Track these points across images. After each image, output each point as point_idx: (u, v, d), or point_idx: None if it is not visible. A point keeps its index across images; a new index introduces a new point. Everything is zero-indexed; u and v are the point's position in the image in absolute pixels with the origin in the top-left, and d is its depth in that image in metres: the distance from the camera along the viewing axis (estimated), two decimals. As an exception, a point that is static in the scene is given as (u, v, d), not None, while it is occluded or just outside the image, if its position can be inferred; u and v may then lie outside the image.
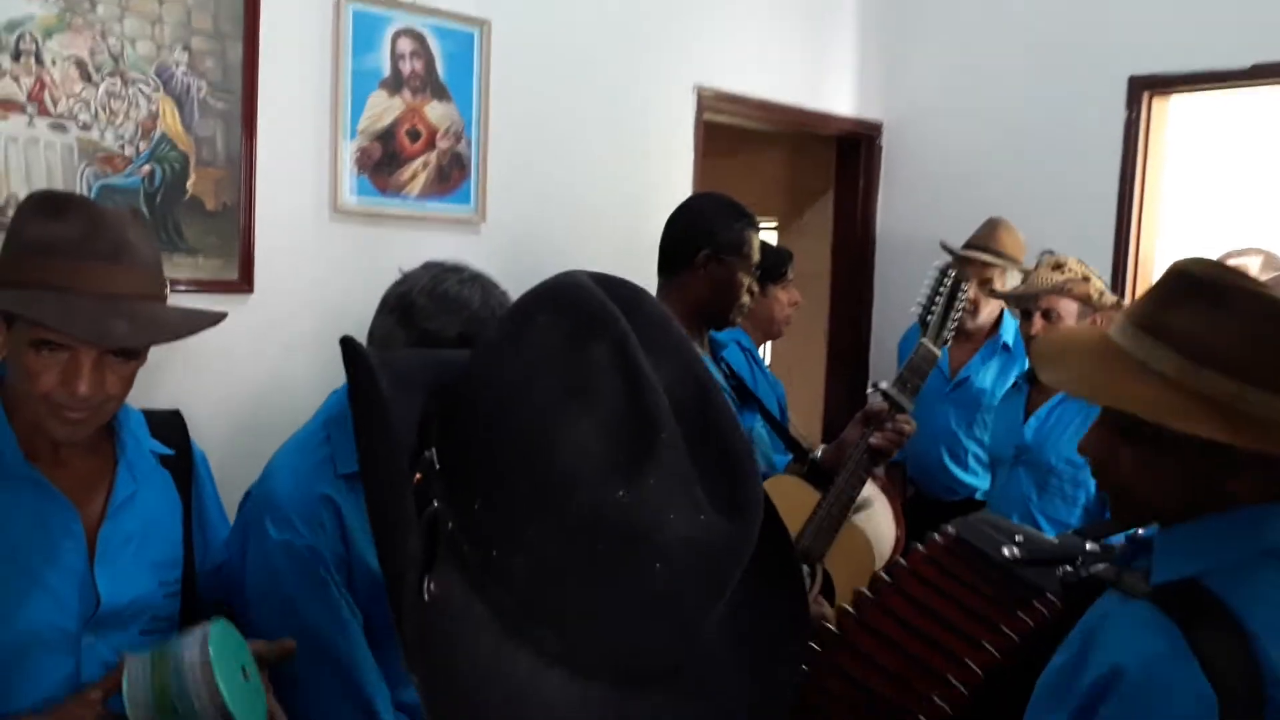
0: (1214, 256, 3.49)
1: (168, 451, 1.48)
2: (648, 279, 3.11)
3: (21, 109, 2.00)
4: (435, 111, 2.60)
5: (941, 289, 2.14)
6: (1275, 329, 1.00)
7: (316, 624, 1.39)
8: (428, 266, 1.62)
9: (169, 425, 1.53)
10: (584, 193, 2.97)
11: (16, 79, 1.99)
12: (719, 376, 2.24)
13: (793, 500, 2.12)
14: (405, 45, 2.54)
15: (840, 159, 4.13)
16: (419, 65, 2.56)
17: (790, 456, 2.33)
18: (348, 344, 0.76)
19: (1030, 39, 3.60)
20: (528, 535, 0.64)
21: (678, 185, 3.26)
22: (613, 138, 3.04)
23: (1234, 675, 0.94)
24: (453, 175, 2.65)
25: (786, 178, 4.90)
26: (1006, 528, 1.35)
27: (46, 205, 1.28)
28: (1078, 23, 3.48)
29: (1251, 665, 0.94)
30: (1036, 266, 2.62)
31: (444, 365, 0.77)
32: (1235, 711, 0.93)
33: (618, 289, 0.72)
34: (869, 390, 2.20)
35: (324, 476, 1.45)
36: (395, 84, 2.53)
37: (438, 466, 0.69)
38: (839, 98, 3.85)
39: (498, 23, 2.69)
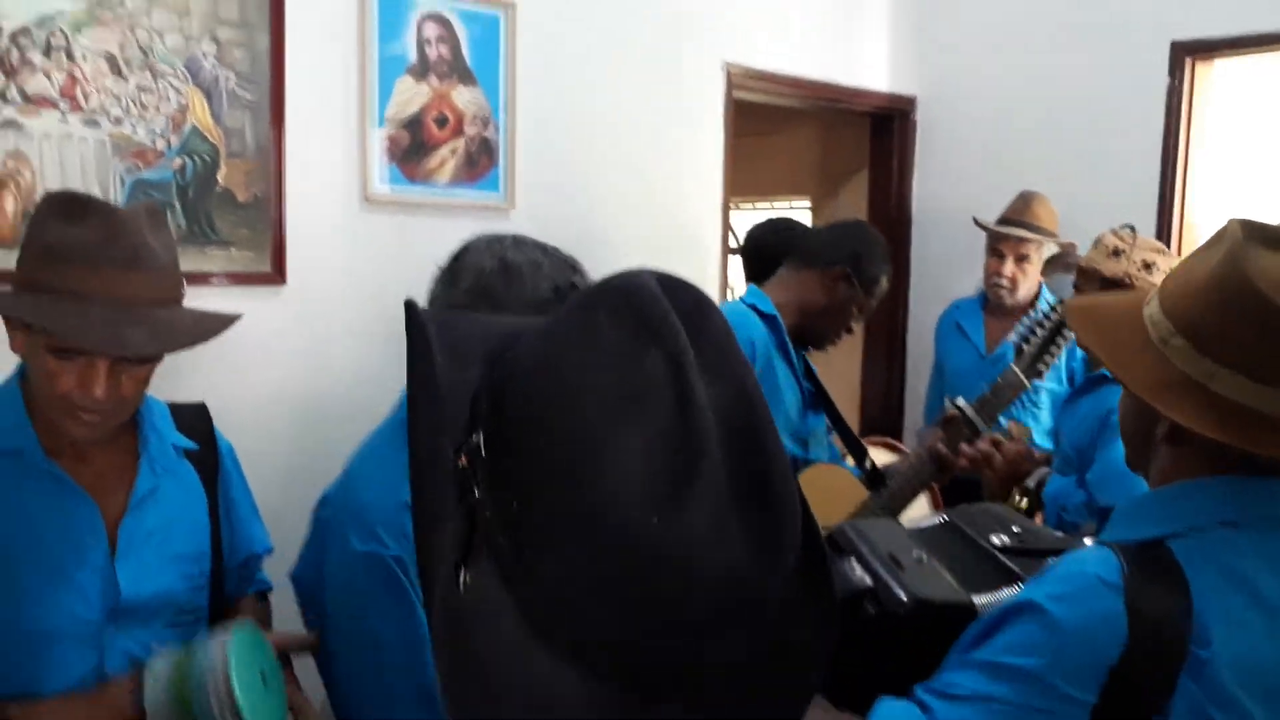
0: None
1: (191, 445, 1.49)
2: (676, 262, 3.09)
3: (54, 105, 2.02)
4: (463, 97, 2.59)
5: (1045, 323, 2.11)
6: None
7: (398, 640, 1.31)
8: (481, 237, 1.52)
9: (194, 418, 1.53)
10: (613, 175, 2.95)
11: (48, 75, 2.01)
12: (797, 374, 2.22)
13: (841, 491, 2.11)
14: (431, 30, 2.53)
15: (874, 135, 4.06)
16: (445, 50, 2.55)
17: (857, 471, 2.30)
18: (409, 306, 0.75)
19: (1067, 5, 3.52)
20: (559, 541, 0.63)
21: (708, 165, 3.23)
22: (641, 119, 3.02)
23: (1158, 623, 0.94)
24: (481, 161, 2.64)
25: (819, 156, 4.85)
26: (1006, 518, 1.32)
27: (65, 208, 1.28)
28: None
29: (1181, 620, 0.95)
30: (1097, 243, 2.54)
31: (504, 338, 0.75)
32: (1144, 657, 0.94)
33: (682, 297, 0.70)
34: (945, 405, 2.18)
35: (406, 482, 1.41)
36: (422, 70, 2.52)
37: (483, 453, 0.68)
38: (871, 72, 3.79)
39: (523, 5, 2.67)
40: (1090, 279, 2.44)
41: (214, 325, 1.36)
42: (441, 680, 0.65)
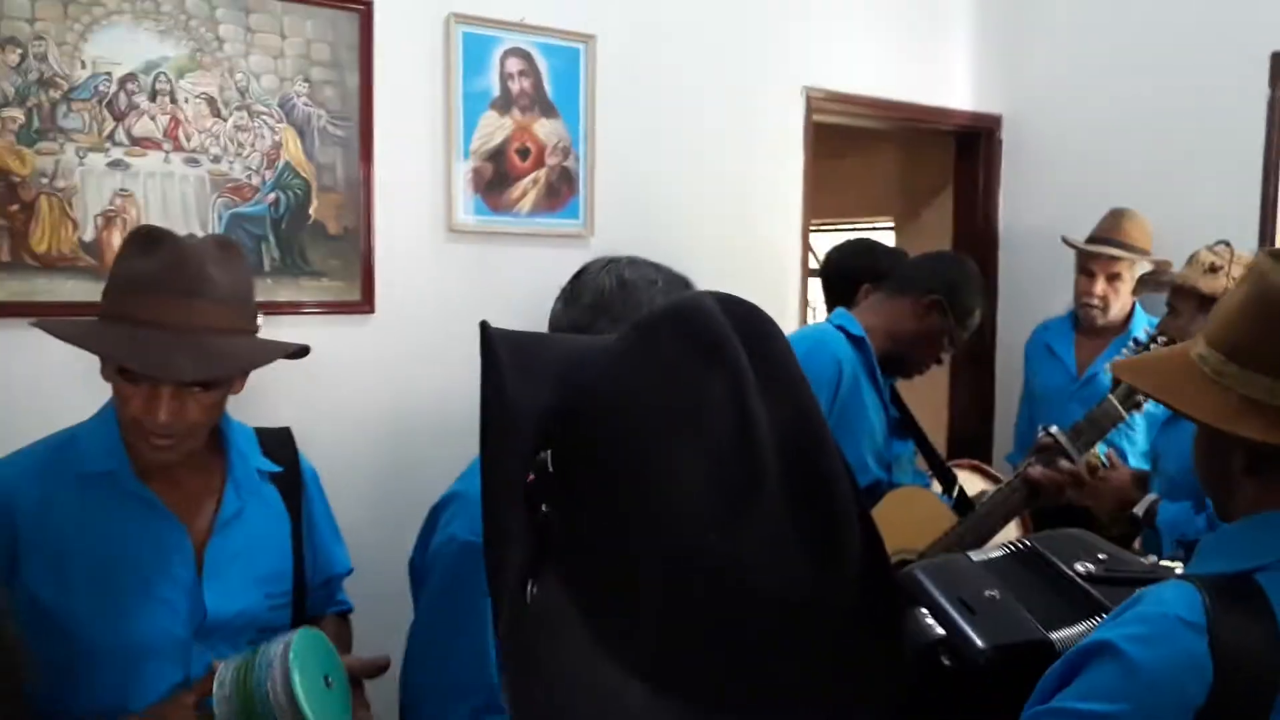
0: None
1: (275, 468, 1.54)
2: (755, 285, 3.09)
3: (159, 145, 2.13)
4: (544, 129, 2.64)
5: (1150, 349, 2.07)
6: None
7: (479, 629, 1.34)
8: (599, 260, 1.59)
9: (279, 442, 1.59)
10: (692, 201, 2.97)
11: (154, 118, 2.12)
12: (884, 399, 2.20)
13: (930, 516, 2.08)
14: (513, 65, 2.59)
15: (959, 154, 4.01)
16: (527, 84, 2.61)
17: (945, 497, 2.26)
18: (483, 327, 0.78)
19: (1158, 19, 3.42)
20: (624, 556, 0.65)
21: (788, 190, 3.23)
22: (720, 145, 3.03)
23: (1246, 660, 0.90)
24: (561, 191, 2.69)
25: (901, 176, 4.79)
26: (1092, 544, 1.27)
27: (139, 241, 1.34)
28: (1211, 1, 3.30)
29: (1270, 654, 0.91)
30: (1192, 260, 2.45)
31: (573, 358, 0.77)
32: (1233, 696, 0.90)
33: (745, 318, 0.72)
34: (1040, 434, 2.13)
35: None
36: (505, 104, 2.58)
37: (550, 470, 0.70)
38: (954, 91, 3.74)
39: (603, 37, 2.72)
40: (1186, 297, 2.35)
41: (268, 353, 1.38)
42: (508, 692, 0.67)
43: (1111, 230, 3.08)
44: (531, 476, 0.70)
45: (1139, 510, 2.09)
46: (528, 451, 0.71)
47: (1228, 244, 2.42)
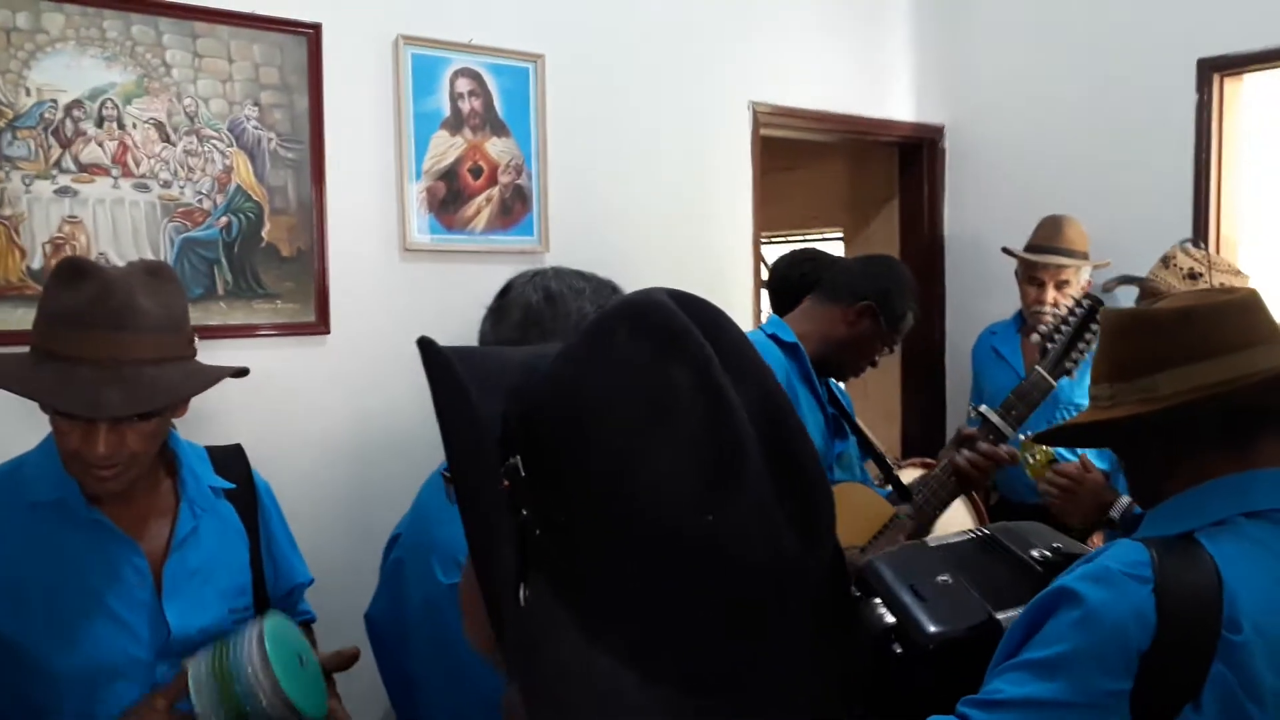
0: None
1: (228, 485, 1.55)
2: (708, 297, 3.12)
3: (107, 172, 2.12)
4: (495, 147, 2.67)
5: (1072, 318, 2.05)
6: (1106, 335, 1.19)
7: (486, 668, 1.33)
8: (522, 274, 1.60)
9: (231, 459, 1.60)
10: (644, 217, 3.01)
11: (101, 144, 2.11)
12: (821, 401, 2.22)
13: (866, 509, 2.11)
14: (463, 85, 2.61)
15: (903, 164, 4.09)
16: (477, 103, 2.63)
17: (888, 491, 2.29)
18: (425, 345, 0.77)
19: (1092, 27, 3.53)
20: (609, 547, 0.66)
21: (738, 202, 3.28)
22: (669, 160, 3.08)
23: (1189, 608, 0.96)
24: (515, 208, 2.71)
25: (849, 188, 4.88)
26: (1048, 535, 1.33)
27: (64, 275, 1.33)
28: (1141, 7, 3.41)
29: (1211, 604, 0.96)
30: (1168, 262, 2.47)
31: (523, 367, 0.78)
32: (1175, 642, 0.95)
33: (698, 309, 0.73)
34: (970, 414, 2.14)
35: None
36: (456, 123, 2.60)
37: (523, 474, 0.71)
38: (897, 103, 3.83)
39: (551, 56, 2.75)
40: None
41: (203, 380, 1.37)
42: (523, 704, 0.68)
43: (1053, 238, 3.16)
44: (506, 484, 0.71)
45: (1115, 514, 2.09)
46: (497, 461, 0.72)
47: (1201, 245, 2.44)
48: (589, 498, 0.67)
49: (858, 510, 2.10)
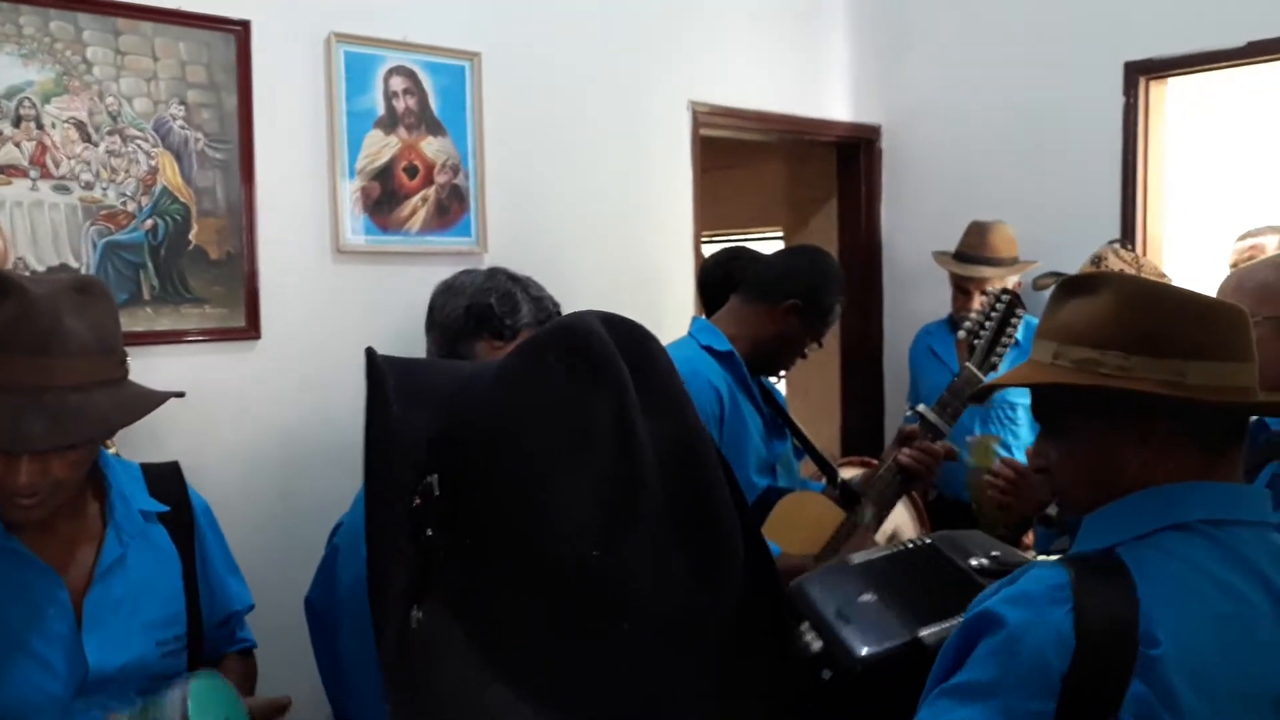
0: (1225, 238, 3.41)
1: (160, 508, 1.47)
2: (649, 299, 3.13)
3: (25, 173, 2.04)
4: (431, 147, 2.63)
5: (993, 314, 2.08)
6: (1120, 303, 1.12)
7: None
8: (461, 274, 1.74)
9: (166, 478, 1.52)
10: (583, 216, 2.99)
11: (18, 144, 2.04)
12: (758, 402, 2.22)
13: (817, 518, 2.12)
14: (397, 83, 2.57)
15: (840, 164, 4.13)
16: (412, 102, 2.59)
17: (822, 485, 2.30)
18: (369, 354, 0.79)
19: (1023, 31, 3.59)
20: (510, 575, 0.66)
21: (678, 203, 3.28)
22: (609, 159, 3.06)
23: (1105, 627, 0.97)
24: (452, 208, 2.68)
25: (788, 187, 4.91)
26: (987, 543, 1.35)
27: None
28: (1070, 11, 3.47)
29: (1128, 622, 0.97)
30: (1098, 262, 2.53)
31: (461, 382, 0.78)
32: (1093, 661, 0.96)
33: (627, 336, 0.75)
34: (906, 412, 2.16)
35: None
36: (390, 122, 2.56)
37: (437, 493, 0.71)
38: (835, 103, 3.86)
39: (487, 54, 2.72)
40: None
41: (134, 408, 1.30)
42: (395, 716, 0.67)
43: (978, 246, 3.22)
44: (418, 501, 0.71)
45: (1052, 510, 2.11)
46: (412, 477, 0.71)
47: (1129, 246, 2.52)
48: (497, 523, 0.67)
49: (812, 519, 2.11)
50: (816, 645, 1.09)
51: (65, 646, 1.32)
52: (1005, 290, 2.16)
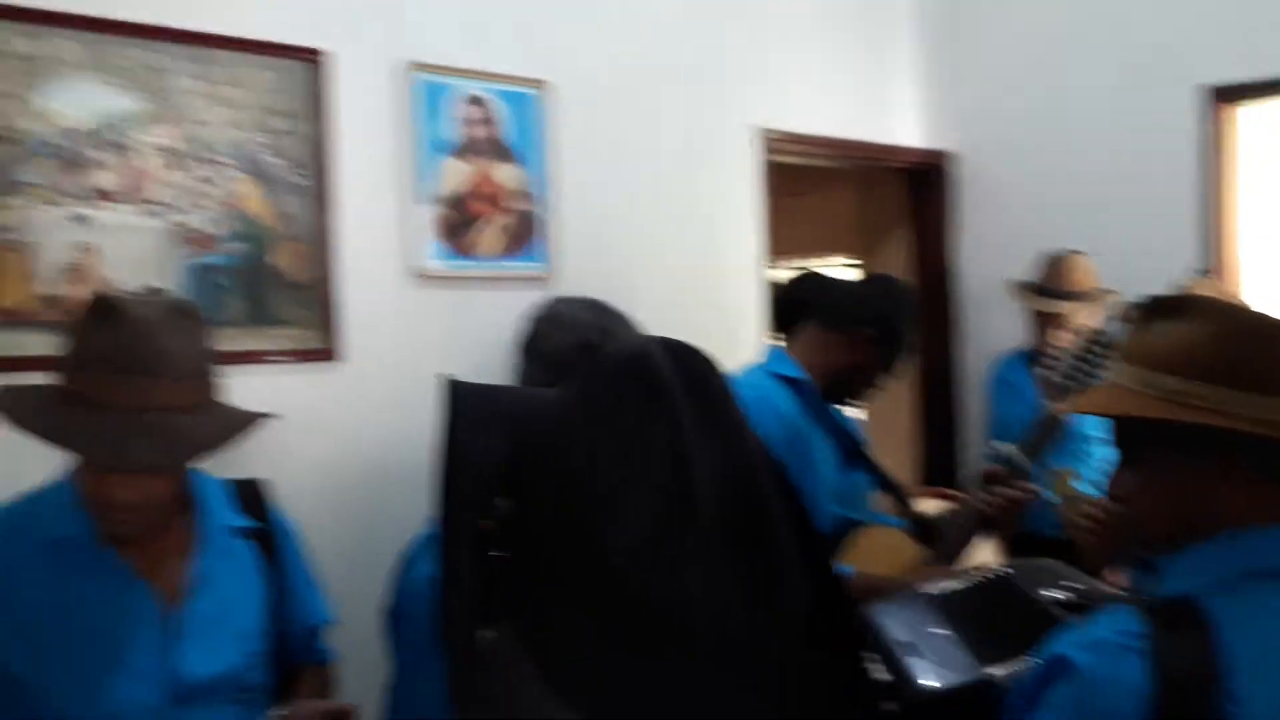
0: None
1: (247, 524, 1.50)
2: (716, 326, 3.12)
3: (118, 199, 2.12)
4: (503, 173, 2.67)
5: (1089, 356, 2.03)
6: (1216, 333, 1.07)
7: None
8: (546, 301, 1.79)
9: (253, 494, 1.56)
10: (651, 242, 3.01)
11: (113, 171, 2.12)
12: (828, 428, 2.19)
13: (894, 553, 2.08)
14: (472, 111, 2.62)
15: (912, 191, 4.09)
16: (486, 130, 2.64)
17: (899, 520, 2.25)
18: (447, 381, 0.83)
19: (1098, 55, 3.54)
20: (570, 594, 0.67)
21: (744, 229, 3.28)
22: (677, 186, 3.08)
23: (1183, 681, 0.93)
24: (523, 234, 2.71)
25: (858, 214, 4.87)
26: (1064, 573, 1.30)
27: (94, 313, 1.29)
28: (1147, 34, 3.42)
29: (1206, 677, 0.93)
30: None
31: (540, 406, 0.81)
32: (1170, 716, 0.92)
33: (688, 363, 0.77)
34: (985, 449, 2.12)
35: None
36: (464, 150, 2.61)
37: (506, 515, 0.72)
38: (905, 128, 3.83)
39: (558, 82, 2.76)
40: None
41: (230, 432, 1.33)
42: None
43: (1057, 279, 3.16)
44: (488, 523, 0.73)
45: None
46: (483, 499, 0.73)
47: (1211, 274, 2.44)
48: (559, 543, 0.69)
49: (890, 553, 2.07)
50: (883, 677, 1.07)
51: (158, 658, 1.34)
52: (1099, 332, 2.10)
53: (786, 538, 0.72)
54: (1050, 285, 3.18)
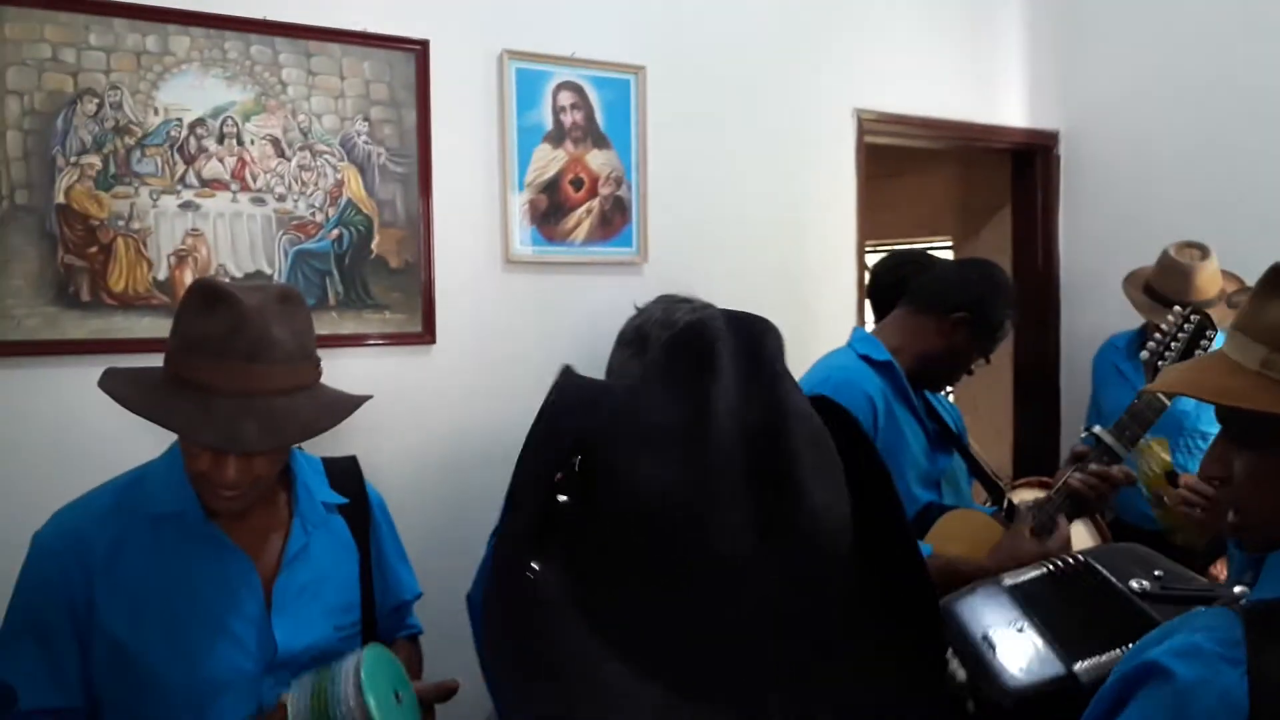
0: None
1: (341, 500, 1.56)
2: (810, 308, 3.09)
3: (226, 186, 2.21)
4: (596, 159, 2.69)
5: (1181, 333, 1.95)
6: None
7: None
8: (660, 300, 1.78)
9: (345, 472, 1.61)
10: (744, 226, 2.99)
11: (221, 160, 2.21)
12: (920, 416, 2.15)
13: (979, 534, 2.04)
14: (565, 98, 2.64)
15: (1015, 172, 3.97)
16: (579, 116, 2.66)
17: (993, 509, 2.20)
18: (562, 368, 0.93)
19: (1209, 27, 3.36)
20: (612, 545, 0.75)
21: (841, 211, 3.23)
22: (771, 169, 3.05)
23: None
24: (615, 220, 2.73)
25: (958, 195, 4.76)
26: (1150, 560, 1.23)
27: (199, 299, 1.33)
28: (1261, 2, 3.22)
29: None
30: None
31: (605, 387, 0.91)
32: None
33: (742, 331, 0.85)
34: (1081, 434, 2.05)
35: None
36: (558, 136, 2.63)
37: (576, 470, 0.82)
38: (1008, 108, 3.72)
39: (652, 68, 2.76)
40: None
41: (334, 415, 1.37)
42: (489, 650, 0.75)
43: (1184, 291, 2.88)
44: (560, 475, 0.82)
45: None
46: (562, 457, 0.82)
47: None
48: (607, 495, 0.79)
49: (974, 536, 2.03)
50: (961, 674, 1.04)
51: (257, 627, 1.41)
52: (1195, 310, 2.01)
53: (811, 483, 0.78)
54: (1177, 298, 2.95)
